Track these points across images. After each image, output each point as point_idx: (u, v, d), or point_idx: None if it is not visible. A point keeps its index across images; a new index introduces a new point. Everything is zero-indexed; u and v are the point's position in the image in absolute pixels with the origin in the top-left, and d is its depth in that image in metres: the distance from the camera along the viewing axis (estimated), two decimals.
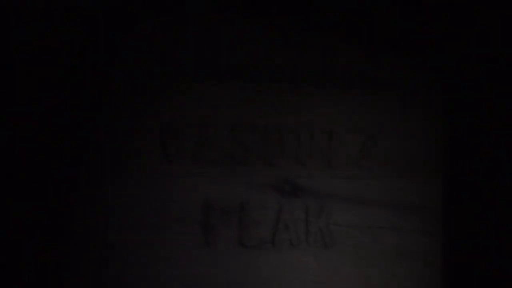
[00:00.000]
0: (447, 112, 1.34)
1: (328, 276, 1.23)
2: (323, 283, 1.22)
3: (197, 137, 1.18)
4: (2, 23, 1.02)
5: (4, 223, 1.10)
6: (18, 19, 1.04)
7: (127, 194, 1.14)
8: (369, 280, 1.25)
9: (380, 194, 1.28)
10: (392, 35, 1.29)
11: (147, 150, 1.16)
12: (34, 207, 1.11)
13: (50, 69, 1.12)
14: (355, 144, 1.27)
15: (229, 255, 1.18)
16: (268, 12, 1.23)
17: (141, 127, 1.16)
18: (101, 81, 1.15)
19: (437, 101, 1.33)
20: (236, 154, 1.20)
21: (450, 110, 1.35)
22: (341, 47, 1.26)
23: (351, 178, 1.27)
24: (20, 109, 1.12)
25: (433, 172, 1.32)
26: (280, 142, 1.23)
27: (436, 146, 1.33)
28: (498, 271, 1.30)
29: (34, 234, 1.11)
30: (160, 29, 1.18)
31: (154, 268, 1.14)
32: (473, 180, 1.35)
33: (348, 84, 1.26)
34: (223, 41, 1.21)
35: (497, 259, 1.31)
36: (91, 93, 1.14)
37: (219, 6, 1.20)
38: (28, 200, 1.11)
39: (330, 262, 1.24)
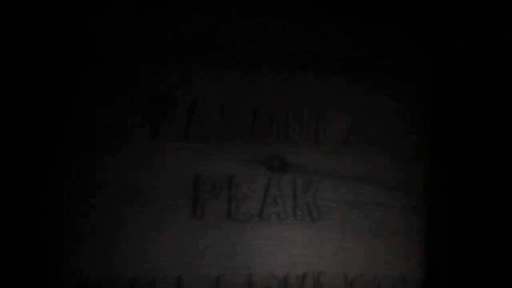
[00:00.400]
0: (434, 93, 1.37)
1: (316, 250, 1.26)
2: (310, 256, 1.26)
3: (187, 115, 1.20)
4: None
5: None
6: None
7: (115, 170, 1.16)
8: (355, 254, 1.28)
9: (367, 171, 1.31)
10: (381, 16, 1.31)
11: (135, 127, 1.18)
12: (14, 187, 1.12)
13: (32, 45, 1.13)
14: (343, 123, 1.29)
15: (218, 228, 1.21)
16: None
17: (130, 104, 1.18)
18: (87, 56, 1.16)
19: (425, 82, 1.35)
20: (226, 131, 1.23)
21: (438, 91, 1.37)
22: (329, 29, 1.28)
23: (339, 155, 1.29)
24: None
25: (421, 150, 1.35)
26: (269, 120, 1.25)
27: (424, 125, 1.35)
28: (482, 248, 1.34)
29: (16, 215, 1.12)
30: (151, 8, 1.19)
31: (143, 241, 1.16)
32: (460, 159, 1.38)
33: (336, 65, 1.28)
34: (214, 23, 1.23)
35: (482, 236, 1.34)
36: (76, 68, 1.15)
37: None
38: (8, 180, 1.12)
39: (317, 236, 1.27)
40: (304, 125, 1.27)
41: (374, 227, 1.30)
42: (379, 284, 1.28)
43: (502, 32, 1.25)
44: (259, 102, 1.24)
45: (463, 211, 1.37)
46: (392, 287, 1.28)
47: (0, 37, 1.11)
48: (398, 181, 1.32)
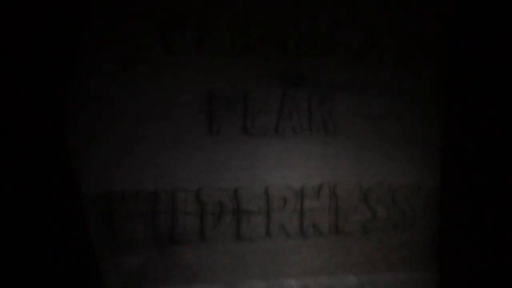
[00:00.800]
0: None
1: (331, 162, 1.28)
2: (325, 168, 1.28)
3: (199, 27, 1.18)
4: None
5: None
6: None
7: (128, 87, 1.16)
8: (370, 165, 1.30)
9: (383, 82, 1.30)
10: None
11: (147, 41, 1.16)
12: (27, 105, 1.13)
13: None
14: (358, 35, 1.27)
15: (234, 143, 1.22)
16: None
17: (142, 17, 1.16)
18: None
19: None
20: (239, 44, 1.21)
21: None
22: None
23: (355, 67, 1.28)
24: None
25: (435, 59, 1.32)
26: (283, 33, 1.23)
27: (438, 33, 1.32)
28: (497, 157, 1.34)
29: (37, 128, 1.14)
30: None
31: (162, 156, 1.19)
32: (474, 68, 1.35)
33: None
34: None
35: (497, 146, 1.34)
36: None
37: None
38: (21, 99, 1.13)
39: (332, 148, 1.28)
40: (318, 37, 1.25)
41: (390, 139, 1.31)
42: (393, 193, 1.30)
43: None
44: (271, 15, 1.21)
45: (480, 121, 1.36)
46: (407, 195, 1.31)
47: None
48: (413, 91, 1.31)
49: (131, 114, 1.17)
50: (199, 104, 1.20)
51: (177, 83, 1.18)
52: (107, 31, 1.14)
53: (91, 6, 1.13)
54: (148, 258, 1.18)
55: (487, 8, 1.32)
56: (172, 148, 1.19)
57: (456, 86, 1.35)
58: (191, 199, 1.20)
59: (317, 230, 1.27)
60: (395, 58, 1.30)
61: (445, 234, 1.34)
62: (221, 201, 1.21)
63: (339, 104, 1.28)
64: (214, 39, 1.19)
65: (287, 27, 1.23)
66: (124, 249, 1.17)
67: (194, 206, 1.20)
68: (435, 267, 1.34)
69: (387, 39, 1.29)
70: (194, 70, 1.19)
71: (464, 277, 1.35)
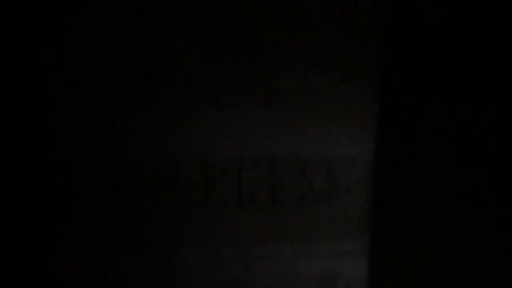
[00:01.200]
0: None
1: (270, 133, 1.29)
2: (265, 140, 1.28)
3: None
4: None
5: None
6: None
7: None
8: (308, 137, 1.31)
9: (322, 54, 1.30)
10: None
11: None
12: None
13: None
14: (299, 9, 1.26)
15: (172, 113, 1.21)
16: None
17: None
18: None
19: None
20: (179, 13, 1.18)
21: None
22: None
23: (295, 38, 1.27)
24: None
25: (376, 33, 1.34)
26: (225, 3, 1.20)
27: (380, 11, 1.34)
28: (430, 130, 1.39)
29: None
30: None
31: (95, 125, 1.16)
32: (415, 41, 1.38)
33: None
34: None
35: (431, 119, 1.38)
36: None
37: None
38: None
39: (272, 120, 1.28)
40: (261, 5, 1.23)
41: (328, 111, 1.32)
42: (330, 165, 1.33)
43: None
44: None
45: (416, 94, 1.39)
46: (342, 167, 1.34)
47: None
48: (354, 65, 1.32)
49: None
50: (135, 74, 1.16)
51: (116, 51, 1.14)
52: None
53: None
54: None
55: None
56: (109, 118, 1.16)
57: (393, 58, 1.38)
58: (130, 169, 1.18)
59: (255, 200, 1.28)
60: (338, 30, 1.30)
61: (378, 206, 1.39)
62: (160, 171, 1.20)
63: (280, 74, 1.27)
64: (154, 8, 1.15)
65: None
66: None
67: (133, 177, 1.18)
68: (368, 237, 1.39)
69: (330, 12, 1.29)
70: (133, 38, 1.15)
71: (394, 246, 1.41)
